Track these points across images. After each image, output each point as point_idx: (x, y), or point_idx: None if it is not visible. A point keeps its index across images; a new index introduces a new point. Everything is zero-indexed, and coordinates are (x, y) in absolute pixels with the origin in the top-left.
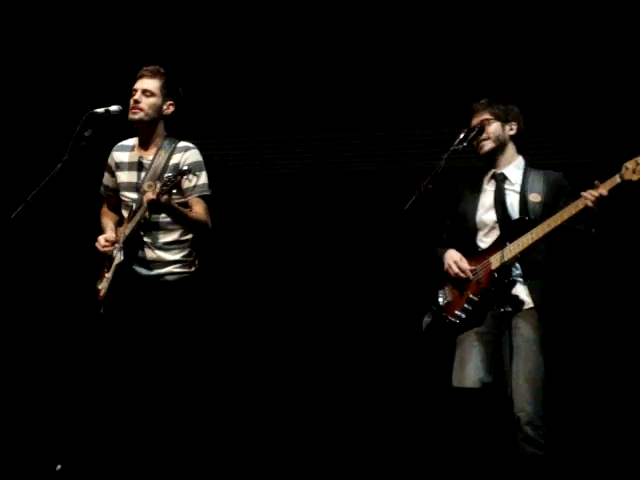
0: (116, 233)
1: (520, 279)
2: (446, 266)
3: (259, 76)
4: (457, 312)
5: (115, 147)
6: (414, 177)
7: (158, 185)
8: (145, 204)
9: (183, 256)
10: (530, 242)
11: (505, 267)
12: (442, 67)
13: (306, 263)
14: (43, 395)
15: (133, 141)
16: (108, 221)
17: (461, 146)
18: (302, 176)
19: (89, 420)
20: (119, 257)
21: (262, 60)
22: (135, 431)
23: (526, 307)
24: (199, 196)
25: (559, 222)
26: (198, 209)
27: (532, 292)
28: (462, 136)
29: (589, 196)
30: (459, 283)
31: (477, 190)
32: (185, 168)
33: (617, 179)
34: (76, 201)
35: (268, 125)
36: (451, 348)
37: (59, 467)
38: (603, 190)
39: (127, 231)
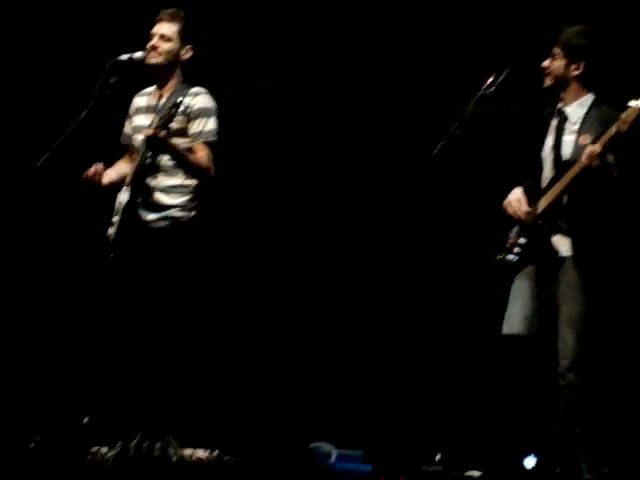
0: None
1: (565, 226)
2: (504, 203)
3: (279, 20)
4: (509, 255)
5: (137, 94)
6: (441, 123)
7: (155, 121)
8: (144, 141)
9: (183, 201)
10: (559, 190)
11: (548, 213)
12: (467, 10)
13: (328, 210)
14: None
15: (153, 87)
16: (119, 163)
17: (489, 91)
18: (326, 122)
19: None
20: (125, 199)
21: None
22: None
23: (569, 255)
24: (204, 142)
25: (572, 175)
26: (202, 154)
27: (575, 241)
28: (490, 80)
29: (585, 154)
30: (519, 224)
31: (547, 124)
32: (178, 101)
33: (612, 131)
34: (100, 149)
35: (290, 71)
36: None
37: (86, 419)
38: (597, 146)
39: (132, 172)
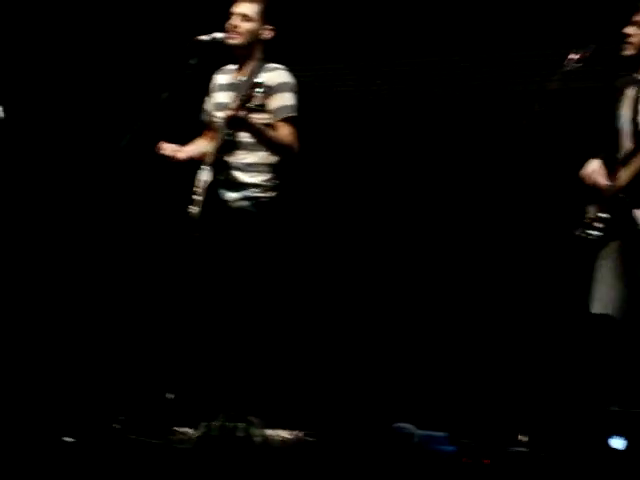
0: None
1: None
2: (582, 175)
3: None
4: (590, 230)
5: (217, 71)
6: (525, 100)
7: (234, 101)
8: (225, 121)
9: (263, 180)
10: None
11: (630, 185)
12: None
13: (412, 188)
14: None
15: (234, 65)
16: (199, 141)
17: (573, 67)
18: (405, 102)
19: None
20: (207, 178)
21: None
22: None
23: None
24: (285, 118)
25: None
26: (283, 130)
27: None
28: (575, 57)
29: None
30: (599, 198)
31: (621, 93)
32: (257, 81)
33: None
34: (181, 129)
35: (364, 50)
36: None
37: (171, 396)
38: None
39: (213, 150)
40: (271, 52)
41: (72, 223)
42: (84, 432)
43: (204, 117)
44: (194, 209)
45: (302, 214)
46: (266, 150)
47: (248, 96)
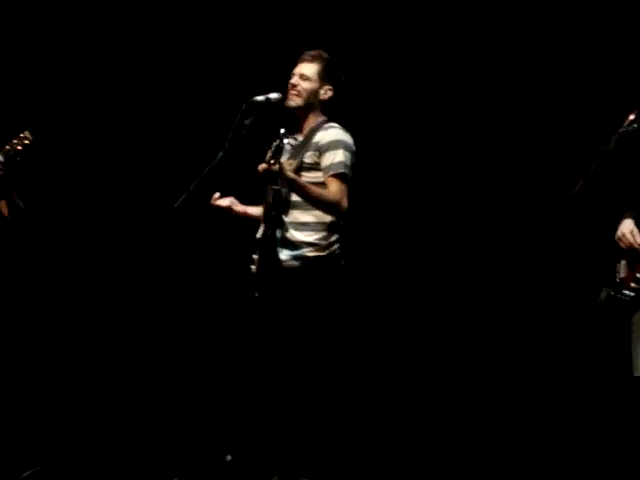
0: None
1: None
2: (617, 236)
3: (421, 62)
4: (626, 291)
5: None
6: (581, 161)
7: (269, 155)
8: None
9: (317, 239)
10: None
11: None
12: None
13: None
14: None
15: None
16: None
17: (632, 127)
18: (467, 162)
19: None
20: (259, 233)
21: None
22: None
23: None
24: (334, 174)
25: None
26: (332, 188)
27: None
28: (633, 117)
29: None
30: (633, 257)
31: None
32: (282, 131)
33: None
34: (237, 190)
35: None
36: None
37: (229, 457)
38: None
39: (264, 207)
40: (330, 112)
41: (132, 286)
42: None
43: None
44: (252, 267)
45: (358, 272)
46: (312, 206)
47: (277, 147)
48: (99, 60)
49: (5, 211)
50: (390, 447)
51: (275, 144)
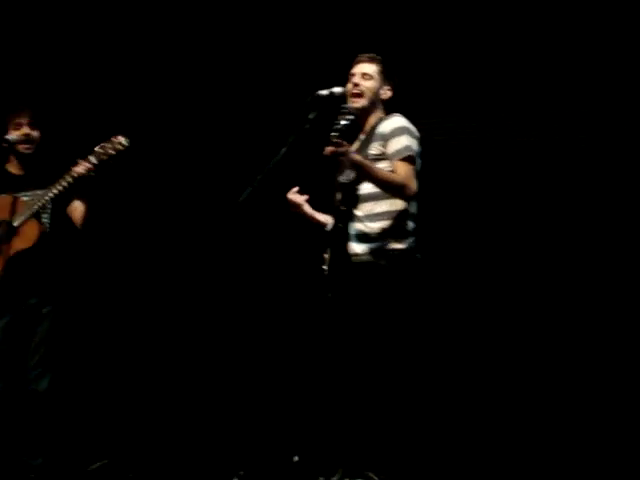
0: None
1: None
2: None
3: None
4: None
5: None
6: None
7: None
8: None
9: (395, 228)
10: None
11: None
12: None
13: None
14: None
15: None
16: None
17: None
18: (510, 154)
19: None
20: (329, 229)
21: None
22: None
23: None
24: (401, 158)
25: None
26: (400, 171)
27: None
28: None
29: None
30: None
31: None
32: (345, 109)
33: None
34: (302, 184)
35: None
36: None
37: (296, 458)
38: None
39: (334, 204)
40: (391, 106)
41: (200, 283)
42: None
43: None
44: (324, 266)
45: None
46: (380, 188)
47: (342, 129)
48: (165, 58)
49: (80, 216)
50: (456, 445)
51: (338, 126)
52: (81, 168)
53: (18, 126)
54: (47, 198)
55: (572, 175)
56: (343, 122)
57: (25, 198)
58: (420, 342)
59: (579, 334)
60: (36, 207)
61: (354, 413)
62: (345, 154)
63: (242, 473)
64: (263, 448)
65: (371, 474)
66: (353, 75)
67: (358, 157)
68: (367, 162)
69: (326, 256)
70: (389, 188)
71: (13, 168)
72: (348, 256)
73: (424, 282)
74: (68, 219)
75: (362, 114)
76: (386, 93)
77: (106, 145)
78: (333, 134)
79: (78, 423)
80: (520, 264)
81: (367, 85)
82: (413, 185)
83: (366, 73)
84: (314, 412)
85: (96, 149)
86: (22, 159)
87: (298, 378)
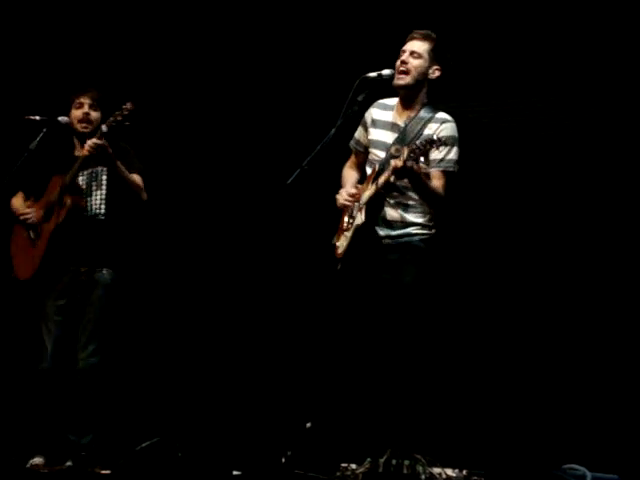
0: (358, 190)
1: None
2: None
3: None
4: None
5: (375, 104)
6: None
7: (405, 151)
8: (391, 169)
9: (424, 219)
10: None
11: None
12: None
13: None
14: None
15: (394, 101)
16: (351, 175)
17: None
18: (560, 139)
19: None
20: (360, 218)
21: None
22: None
23: None
24: (443, 170)
25: None
26: (437, 183)
27: None
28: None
29: None
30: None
31: None
32: (436, 138)
33: None
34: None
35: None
36: None
37: (309, 425)
38: None
39: (369, 192)
40: (435, 90)
41: (244, 260)
42: (252, 466)
43: (353, 145)
44: (340, 244)
45: (466, 250)
46: (420, 196)
47: (422, 151)
48: (211, 41)
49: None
50: (492, 425)
51: (421, 148)
52: (87, 145)
53: (80, 106)
54: (70, 175)
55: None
56: (425, 145)
57: (80, 177)
58: (440, 326)
59: (599, 325)
60: (64, 183)
61: (397, 392)
62: (411, 170)
63: (289, 453)
64: (310, 431)
65: (418, 455)
66: (403, 52)
67: (416, 166)
68: (424, 176)
69: (346, 234)
70: (429, 198)
71: (77, 151)
72: (376, 238)
73: (447, 270)
74: (124, 198)
75: (406, 91)
76: (434, 73)
77: (115, 113)
78: (407, 153)
79: (129, 401)
80: (553, 255)
81: (414, 63)
82: (445, 198)
83: (415, 51)
84: (359, 393)
85: (109, 118)
86: (82, 139)
87: (332, 359)
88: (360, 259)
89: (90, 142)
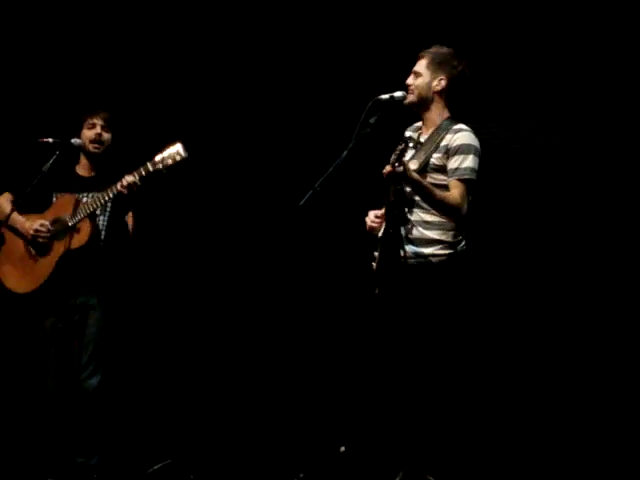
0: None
1: None
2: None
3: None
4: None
5: (408, 128)
6: None
7: (392, 158)
8: (384, 176)
9: (446, 237)
10: None
11: None
12: None
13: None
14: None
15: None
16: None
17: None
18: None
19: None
20: (380, 233)
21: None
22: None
23: None
24: (459, 179)
25: None
26: (454, 192)
27: None
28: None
29: None
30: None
31: None
32: (407, 135)
33: None
34: (360, 187)
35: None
36: None
37: (343, 449)
38: None
39: (385, 206)
40: (454, 104)
41: (258, 282)
42: None
43: None
44: (374, 264)
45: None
46: (431, 207)
47: (401, 151)
48: (228, 63)
49: (130, 226)
50: (510, 445)
51: (400, 147)
52: (132, 177)
53: (92, 126)
54: (100, 202)
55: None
56: (403, 147)
57: (86, 199)
58: (469, 343)
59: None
60: (89, 209)
61: (410, 414)
62: (403, 175)
63: (302, 475)
64: (322, 449)
65: (431, 477)
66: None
67: (416, 177)
68: (425, 182)
69: (376, 254)
70: (441, 208)
71: (81, 170)
72: (398, 258)
73: (474, 286)
74: (125, 224)
75: (418, 109)
76: (440, 84)
77: (164, 155)
78: (393, 158)
79: (140, 422)
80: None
81: (415, 83)
82: (465, 208)
83: (416, 71)
84: (372, 413)
85: (155, 158)
86: (91, 159)
87: (354, 377)
88: (386, 279)
89: (128, 180)
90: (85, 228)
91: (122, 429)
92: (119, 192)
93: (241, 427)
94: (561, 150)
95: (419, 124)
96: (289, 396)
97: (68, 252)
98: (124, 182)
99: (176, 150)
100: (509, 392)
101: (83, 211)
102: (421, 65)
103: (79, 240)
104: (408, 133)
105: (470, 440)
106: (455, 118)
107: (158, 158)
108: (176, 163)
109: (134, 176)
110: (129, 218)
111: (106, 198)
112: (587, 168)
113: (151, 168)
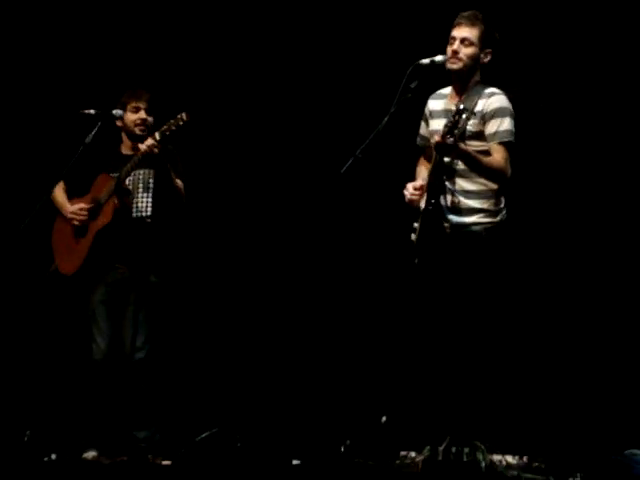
0: (424, 182)
1: None
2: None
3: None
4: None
5: (431, 95)
6: None
7: (441, 129)
8: (432, 147)
9: (488, 205)
10: None
11: None
12: None
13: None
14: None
15: (448, 89)
16: (421, 170)
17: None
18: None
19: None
20: (422, 204)
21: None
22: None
23: None
24: (500, 142)
25: None
26: (497, 156)
27: None
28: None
29: None
30: None
31: None
32: (461, 107)
33: None
34: (399, 154)
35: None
36: None
37: (384, 419)
38: None
39: (427, 176)
40: (488, 74)
41: (299, 251)
42: (311, 455)
43: (420, 142)
44: (413, 235)
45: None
46: (478, 175)
47: (454, 122)
48: (262, 41)
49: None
50: (554, 411)
51: (452, 120)
52: (145, 145)
53: (136, 110)
54: (121, 176)
55: None
56: (456, 119)
57: (127, 178)
58: (510, 310)
59: None
60: (113, 185)
61: (455, 381)
62: (454, 147)
63: (348, 442)
64: (368, 417)
65: (478, 442)
66: (453, 39)
67: (466, 148)
68: (473, 152)
69: (416, 225)
70: (488, 174)
71: (125, 149)
72: (443, 229)
73: (515, 254)
74: (169, 203)
75: (459, 76)
76: (486, 57)
77: (170, 122)
78: (444, 130)
79: (187, 392)
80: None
81: (466, 52)
82: (509, 170)
83: (466, 38)
84: (419, 381)
85: (162, 126)
86: (134, 140)
87: (396, 347)
88: (430, 248)
89: (148, 142)
90: (109, 206)
91: (171, 399)
92: (143, 154)
93: (287, 396)
94: (561, 150)
95: (444, 91)
96: (334, 366)
97: (98, 231)
98: (144, 145)
99: (180, 116)
100: (551, 360)
101: (110, 188)
102: (472, 34)
103: (104, 217)
104: (432, 102)
105: (513, 406)
106: (484, 82)
107: (165, 126)
108: (179, 127)
109: (147, 144)
110: (178, 185)
111: (123, 173)
112: (586, 166)
113: (158, 136)
